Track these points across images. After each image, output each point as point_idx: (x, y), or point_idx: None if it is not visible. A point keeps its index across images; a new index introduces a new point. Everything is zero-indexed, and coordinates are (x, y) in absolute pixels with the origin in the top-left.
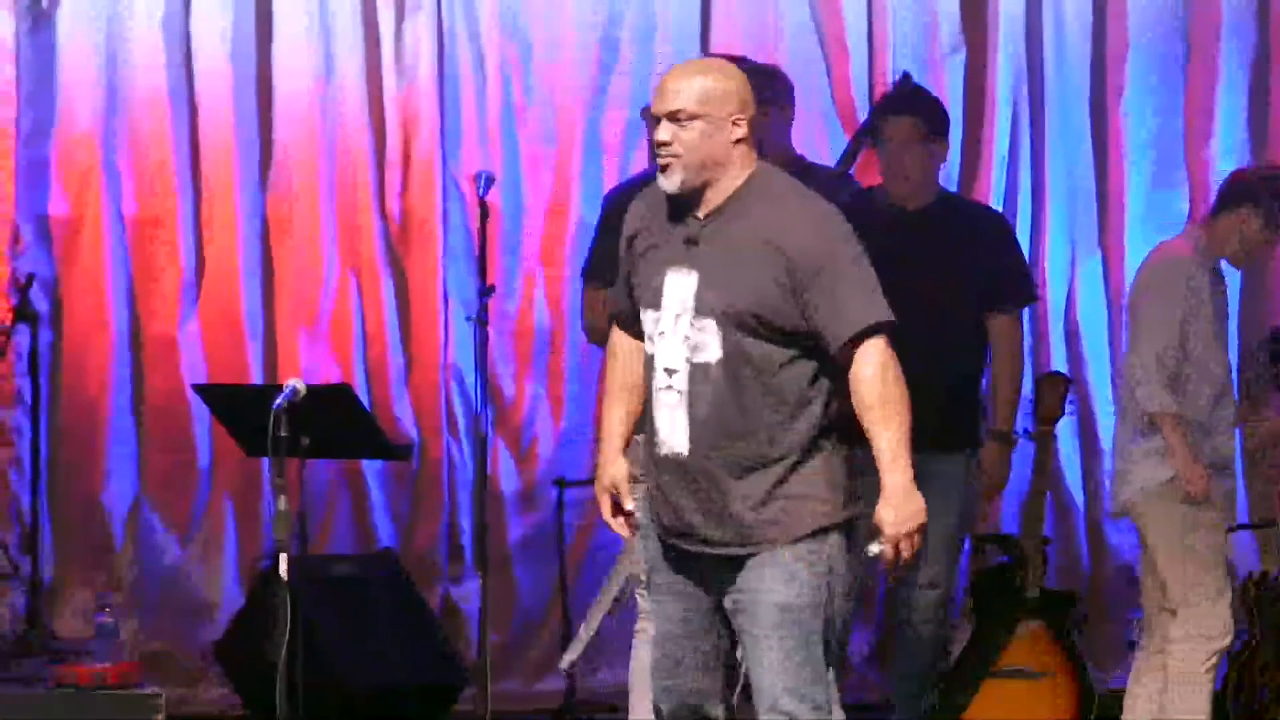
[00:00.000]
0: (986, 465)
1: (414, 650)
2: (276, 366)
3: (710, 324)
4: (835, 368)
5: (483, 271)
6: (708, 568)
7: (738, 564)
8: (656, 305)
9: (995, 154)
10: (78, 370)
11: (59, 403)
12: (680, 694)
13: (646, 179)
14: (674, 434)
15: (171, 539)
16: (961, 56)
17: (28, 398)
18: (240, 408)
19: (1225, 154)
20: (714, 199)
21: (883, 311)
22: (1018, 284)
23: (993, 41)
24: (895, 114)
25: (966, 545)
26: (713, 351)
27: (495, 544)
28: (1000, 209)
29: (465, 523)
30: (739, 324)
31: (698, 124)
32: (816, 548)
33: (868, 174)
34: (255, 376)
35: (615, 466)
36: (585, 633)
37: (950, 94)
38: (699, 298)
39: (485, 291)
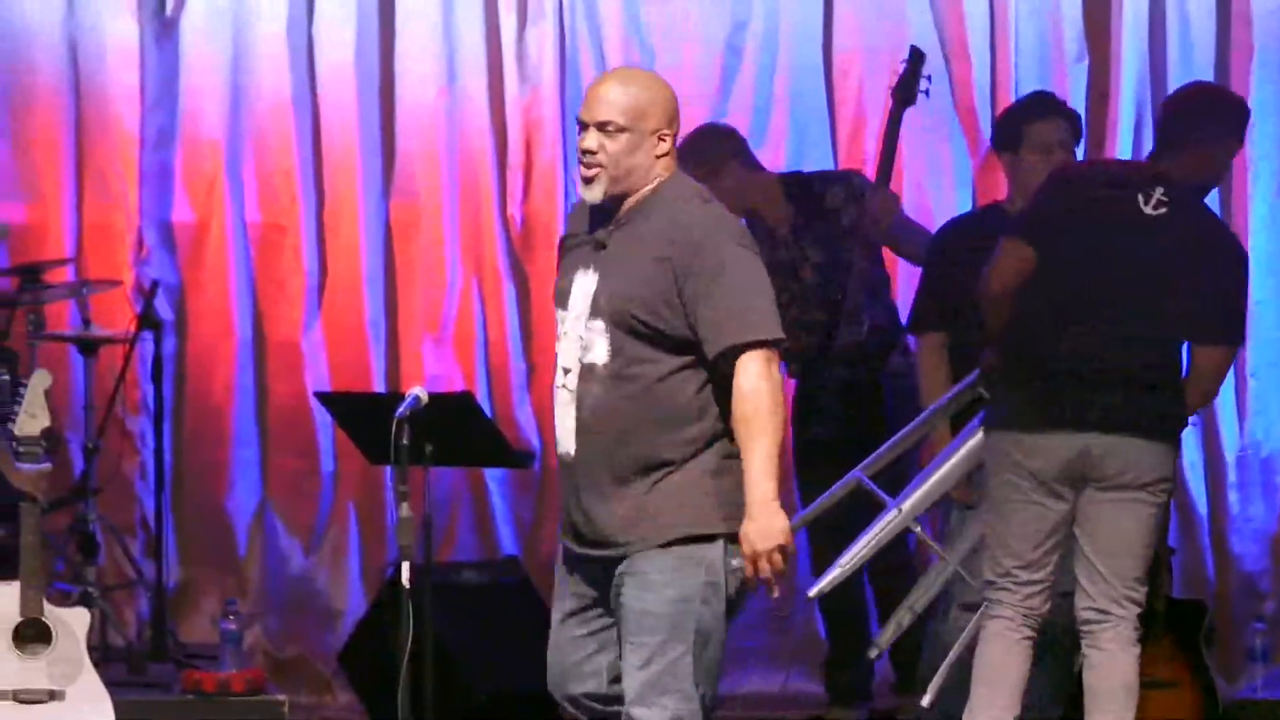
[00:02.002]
0: None
1: (539, 657)
2: (399, 373)
3: (600, 324)
4: (727, 381)
5: None
6: (592, 570)
7: (613, 567)
8: (564, 306)
9: None
10: (202, 377)
11: (183, 409)
12: (567, 687)
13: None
14: (565, 434)
15: (296, 545)
16: (1085, 64)
17: (151, 405)
18: (363, 415)
19: None
20: (627, 206)
21: (764, 328)
22: None
23: (1116, 48)
24: (1043, 117)
25: None
26: (599, 352)
27: None
28: None
29: None
30: (624, 326)
31: (624, 136)
32: (687, 556)
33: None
34: (378, 383)
35: None
36: (845, 565)
37: (1074, 101)
38: (595, 299)
39: None
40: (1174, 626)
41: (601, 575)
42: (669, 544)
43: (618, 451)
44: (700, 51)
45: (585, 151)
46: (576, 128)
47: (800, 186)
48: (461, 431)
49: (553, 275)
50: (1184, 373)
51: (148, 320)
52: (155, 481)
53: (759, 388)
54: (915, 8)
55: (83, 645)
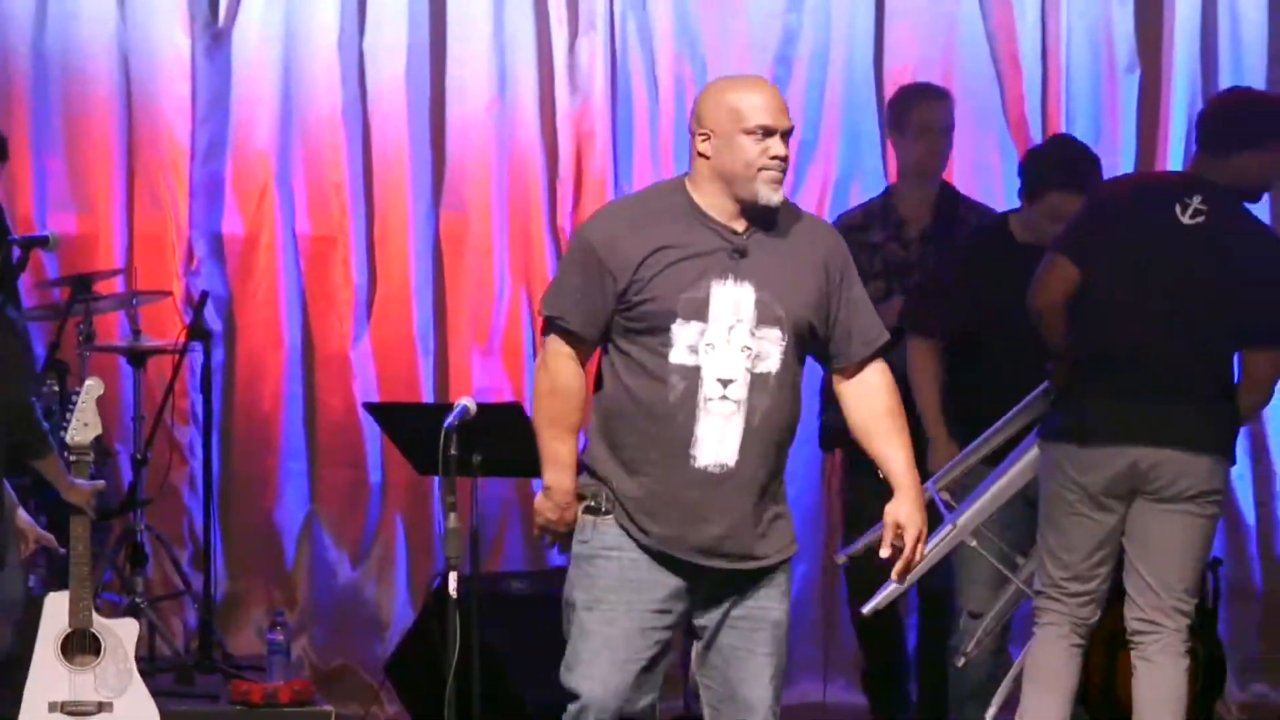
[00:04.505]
0: None
1: None
2: (448, 384)
3: (774, 333)
4: None
5: None
6: (702, 583)
7: (744, 580)
8: (702, 317)
9: None
10: (251, 388)
11: (232, 420)
12: (630, 705)
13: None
14: (722, 445)
15: (343, 556)
16: (1136, 74)
17: (200, 415)
18: (412, 426)
19: None
20: (752, 210)
21: (884, 329)
22: None
23: (1168, 58)
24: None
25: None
26: (773, 361)
27: None
28: None
29: None
30: (798, 333)
31: (789, 140)
32: (789, 566)
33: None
34: (427, 394)
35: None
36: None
37: (1125, 112)
38: (760, 307)
39: None
40: None
41: (706, 586)
42: (786, 558)
43: (772, 459)
44: (751, 63)
45: (779, 159)
46: (760, 132)
47: (950, 202)
48: (510, 442)
49: None
50: (1235, 381)
51: (197, 331)
52: (204, 492)
53: (890, 384)
54: (968, 19)
55: (131, 656)
